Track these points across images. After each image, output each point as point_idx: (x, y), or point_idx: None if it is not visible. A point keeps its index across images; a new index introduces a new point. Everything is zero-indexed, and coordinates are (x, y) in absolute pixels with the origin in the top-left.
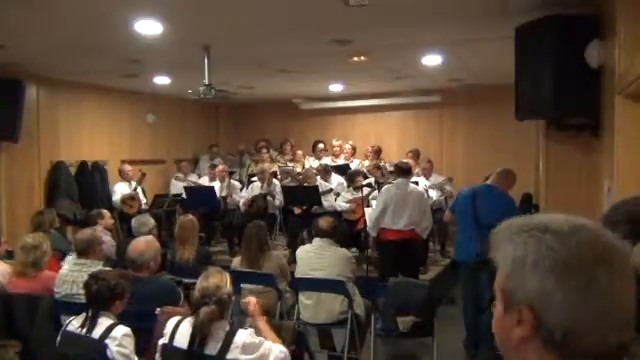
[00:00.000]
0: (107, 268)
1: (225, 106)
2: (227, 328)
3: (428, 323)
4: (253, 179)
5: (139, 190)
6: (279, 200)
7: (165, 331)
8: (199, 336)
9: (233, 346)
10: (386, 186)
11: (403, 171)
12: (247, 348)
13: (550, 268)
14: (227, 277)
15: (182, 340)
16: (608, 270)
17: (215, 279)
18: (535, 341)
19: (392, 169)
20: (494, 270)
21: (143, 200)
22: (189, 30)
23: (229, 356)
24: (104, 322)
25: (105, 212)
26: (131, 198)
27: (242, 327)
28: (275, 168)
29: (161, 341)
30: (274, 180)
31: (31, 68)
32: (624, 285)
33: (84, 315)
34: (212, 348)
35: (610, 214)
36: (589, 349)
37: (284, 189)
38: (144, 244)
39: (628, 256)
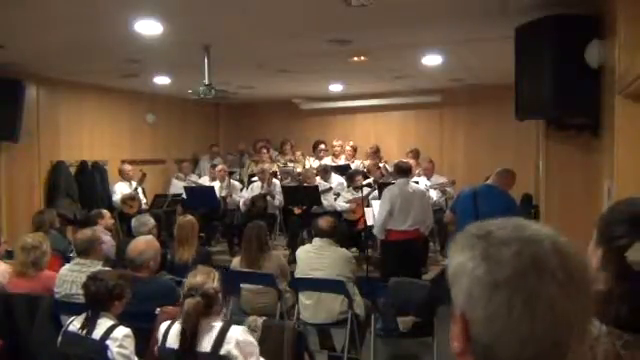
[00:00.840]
0: (107, 268)
1: (225, 106)
2: (220, 324)
3: (428, 323)
4: (253, 179)
5: (139, 190)
6: (279, 200)
7: (158, 335)
8: (188, 330)
9: (226, 341)
10: (388, 187)
11: (403, 171)
12: (242, 346)
13: (477, 278)
14: (215, 274)
15: (173, 341)
16: (541, 285)
17: (202, 275)
18: (469, 355)
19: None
20: None
21: (143, 200)
22: (189, 30)
23: (222, 351)
24: (104, 323)
25: (105, 212)
26: (131, 198)
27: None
28: (275, 168)
29: (156, 346)
30: (274, 180)
31: (31, 68)
32: (561, 304)
33: (84, 315)
34: (206, 344)
35: (608, 215)
36: None
37: (284, 189)
38: (144, 244)
39: (582, 276)
